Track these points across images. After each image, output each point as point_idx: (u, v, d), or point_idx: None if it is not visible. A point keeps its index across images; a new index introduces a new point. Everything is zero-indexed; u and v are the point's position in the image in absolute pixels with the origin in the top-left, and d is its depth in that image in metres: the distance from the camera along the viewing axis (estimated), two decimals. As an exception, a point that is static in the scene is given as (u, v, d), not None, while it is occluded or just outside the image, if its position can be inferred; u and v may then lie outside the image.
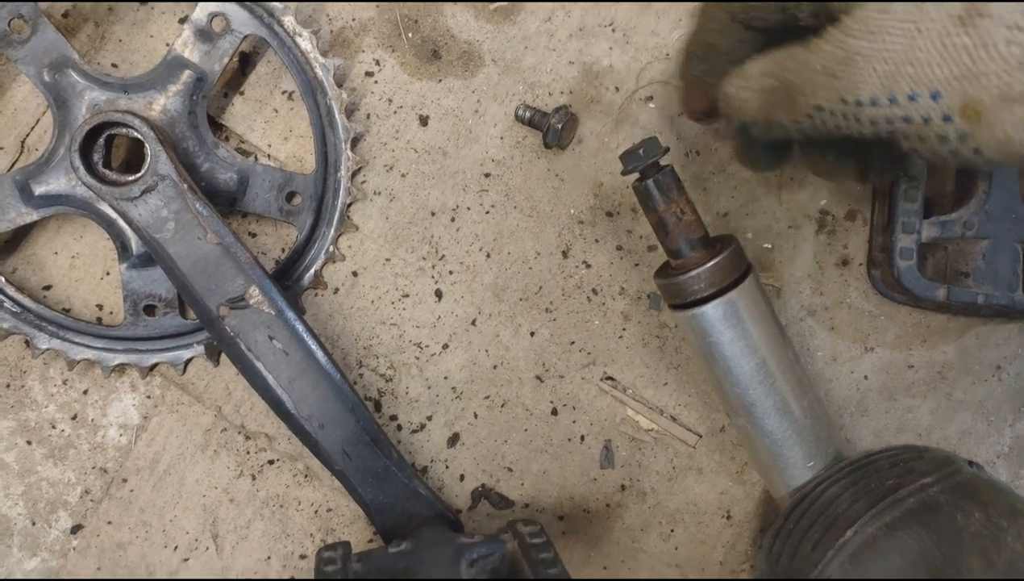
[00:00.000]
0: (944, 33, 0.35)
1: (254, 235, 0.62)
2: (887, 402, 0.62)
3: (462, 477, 0.61)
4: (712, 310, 0.51)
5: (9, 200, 0.56)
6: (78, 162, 0.52)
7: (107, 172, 0.54)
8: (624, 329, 0.61)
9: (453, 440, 0.61)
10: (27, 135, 0.60)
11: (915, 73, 0.35)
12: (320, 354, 0.56)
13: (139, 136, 0.53)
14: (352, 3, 0.61)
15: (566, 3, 0.61)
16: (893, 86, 0.36)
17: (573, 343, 0.61)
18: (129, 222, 0.54)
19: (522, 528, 0.54)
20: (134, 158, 0.59)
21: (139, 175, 0.53)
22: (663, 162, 0.52)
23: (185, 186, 0.53)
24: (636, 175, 0.52)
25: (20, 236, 0.60)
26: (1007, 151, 0.34)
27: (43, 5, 0.56)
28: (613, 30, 0.60)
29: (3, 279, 0.57)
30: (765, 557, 0.54)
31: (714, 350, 0.52)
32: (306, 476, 0.61)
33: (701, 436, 0.61)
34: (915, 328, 0.62)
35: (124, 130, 0.54)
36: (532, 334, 0.61)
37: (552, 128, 0.59)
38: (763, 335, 0.52)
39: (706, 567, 0.61)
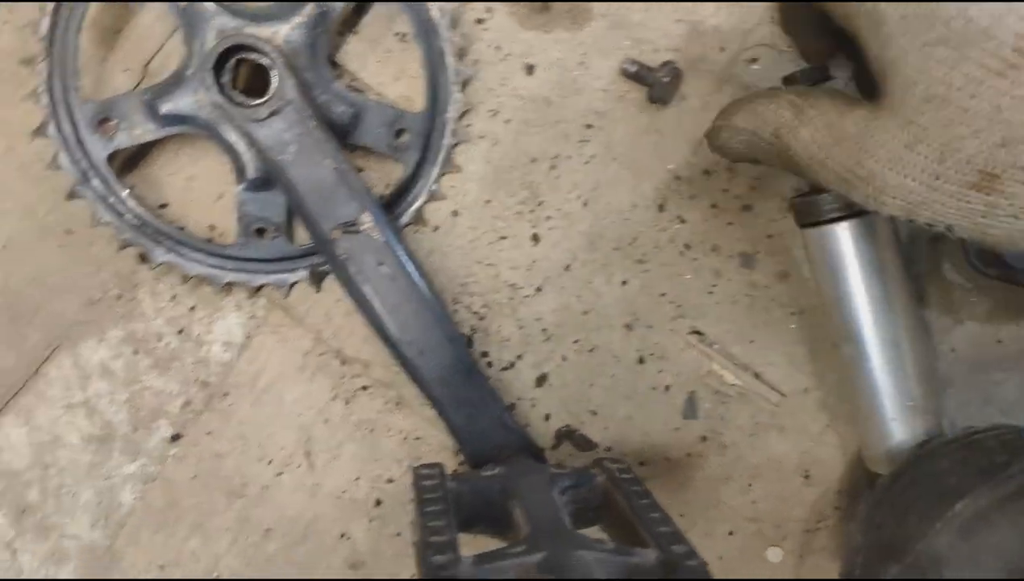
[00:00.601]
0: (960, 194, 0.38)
1: (360, 170, 0.64)
2: (974, 375, 0.62)
3: (547, 417, 0.63)
4: (846, 229, 0.53)
5: (137, 116, 0.59)
6: (211, 81, 0.55)
7: (236, 94, 0.56)
8: (715, 285, 0.63)
9: (541, 380, 0.63)
10: (150, 59, 0.63)
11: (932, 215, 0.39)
12: (423, 284, 0.58)
13: (268, 61, 0.55)
14: (471, -51, 0.62)
15: (679, -40, 0.62)
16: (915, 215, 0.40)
17: (663, 295, 0.63)
18: (253, 143, 0.56)
19: (610, 465, 0.55)
20: (251, 87, 0.61)
21: (266, 98, 0.55)
22: None
23: (308, 112, 0.56)
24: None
25: (140, 155, 0.63)
26: None
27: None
28: (722, -11, 0.61)
29: (125, 192, 0.60)
30: (862, 526, 0.55)
31: (839, 270, 0.54)
32: (397, 404, 0.63)
33: (785, 395, 0.62)
34: (1007, 303, 0.62)
35: (254, 55, 0.56)
36: (624, 283, 0.63)
37: (659, 82, 0.60)
38: (891, 267, 0.53)
39: (783, 523, 0.62)
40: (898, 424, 0.55)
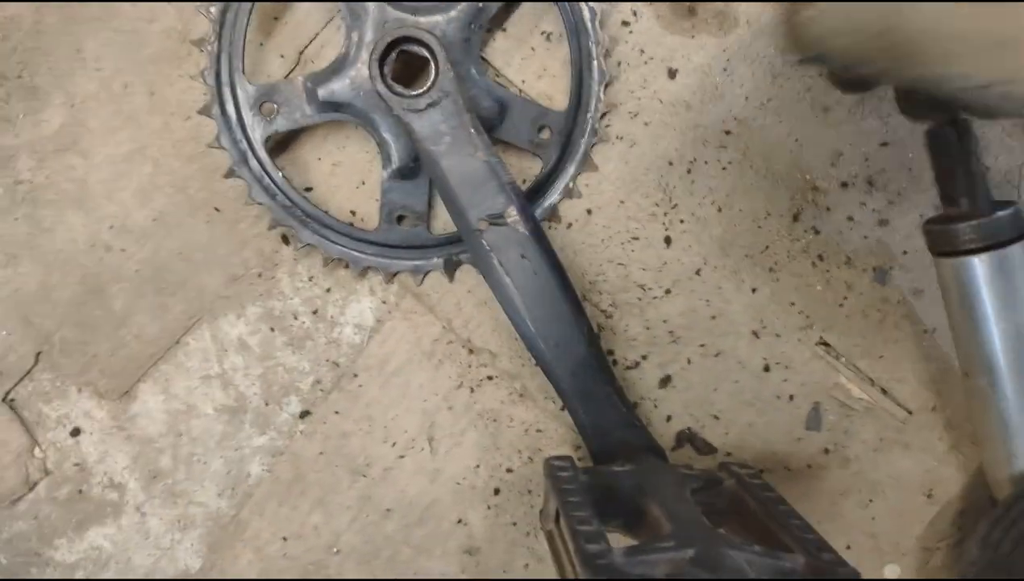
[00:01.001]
0: None
1: (498, 164, 0.65)
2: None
3: (669, 418, 0.64)
4: (982, 262, 0.52)
5: (297, 101, 0.61)
6: (376, 72, 0.57)
7: (397, 84, 0.58)
8: (845, 298, 0.62)
9: (665, 381, 0.64)
10: (305, 47, 0.65)
11: None
12: (564, 279, 0.59)
13: (430, 54, 0.57)
14: (623, -47, 0.64)
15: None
16: None
17: (793, 305, 0.63)
18: (411, 133, 0.58)
19: (738, 469, 0.56)
20: (403, 78, 0.63)
21: (426, 89, 0.57)
22: None
23: (464, 105, 0.57)
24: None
25: (290, 140, 0.65)
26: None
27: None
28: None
29: (280, 175, 0.62)
30: (980, 544, 0.54)
31: (974, 303, 0.53)
32: (521, 396, 0.64)
33: (911, 413, 0.62)
34: None
35: (415, 47, 0.58)
36: (753, 291, 0.63)
37: None
38: None
39: (901, 540, 0.62)
40: None
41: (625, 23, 0.64)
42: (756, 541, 0.52)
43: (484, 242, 0.58)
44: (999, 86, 0.30)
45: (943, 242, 0.54)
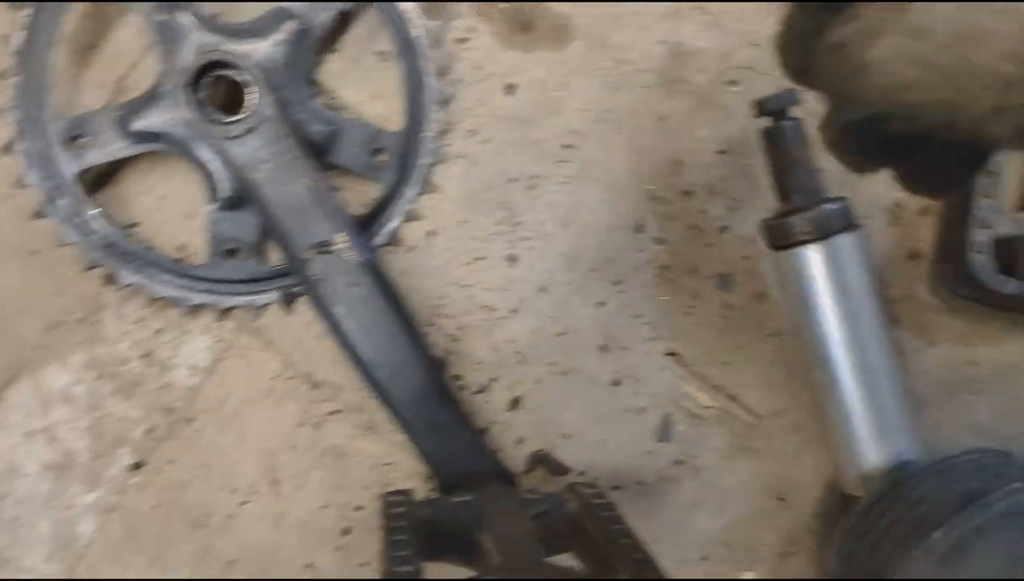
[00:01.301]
0: None
1: (336, 189, 0.63)
2: (947, 397, 0.62)
3: (520, 441, 0.62)
4: (815, 252, 0.53)
5: (109, 133, 0.58)
6: (187, 98, 0.54)
7: (212, 111, 0.56)
8: (692, 306, 0.62)
9: (514, 404, 0.62)
10: (126, 75, 0.62)
11: None
12: (397, 306, 0.57)
13: (246, 78, 0.55)
14: (450, -29, 0.63)
15: (658, -15, 0.63)
16: None
17: (639, 316, 0.62)
18: (228, 161, 0.55)
19: (584, 490, 0.55)
20: (228, 104, 0.61)
21: (243, 115, 0.55)
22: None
23: (284, 130, 0.55)
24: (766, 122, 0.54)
25: (111, 173, 0.62)
26: None
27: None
28: (704, 13, 0.62)
29: (94, 211, 0.59)
30: (837, 556, 0.55)
31: (809, 294, 0.54)
32: (367, 429, 0.62)
33: (760, 418, 0.62)
34: (981, 325, 0.62)
35: (231, 72, 0.56)
36: (600, 305, 0.62)
37: None
38: (860, 291, 0.53)
39: (756, 548, 0.62)
40: (872, 446, 0.55)
41: (461, 40, 0.63)
42: (595, 564, 0.50)
43: (312, 271, 0.56)
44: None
45: (779, 236, 0.55)
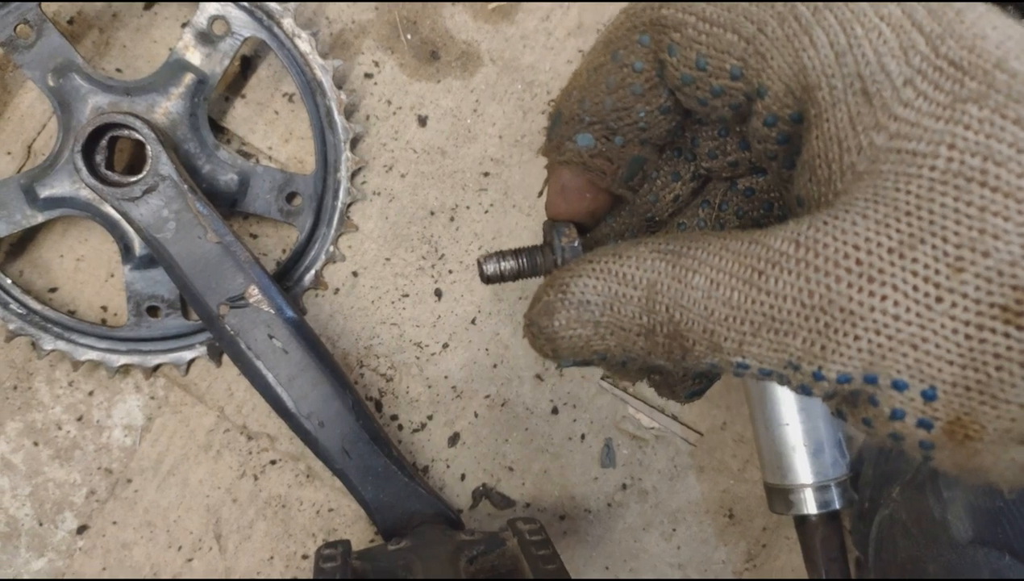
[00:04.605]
0: (976, 324, 0.23)
1: (255, 237, 0.62)
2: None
3: (463, 476, 0.61)
4: None
5: (15, 203, 0.57)
6: (81, 163, 0.53)
7: (109, 173, 0.55)
8: (624, 327, 0.61)
9: (454, 439, 0.61)
10: (33, 140, 0.61)
11: (917, 360, 0.23)
12: (319, 353, 0.56)
13: (140, 137, 0.54)
14: (351, 3, 0.61)
15: (564, 2, 0.61)
16: (879, 366, 0.24)
17: (573, 341, 0.61)
18: (131, 222, 0.54)
19: (522, 526, 0.54)
20: (137, 161, 0.60)
21: (140, 176, 0.54)
22: None
23: (185, 186, 0.54)
24: None
25: (26, 239, 0.61)
26: (972, 478, 0.25)
27: (49, 9, 0.57)
28: (609, 28, 0.60)
29: (9, 282, 0.58)
30: (873, 462, 0.57)
31: None
32: (308, 476, 0.61)
33: (702, 434, 0.61)
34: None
35: (126, 132, 0.55)
36: (532, 332, 0.61)
37: None
38: None
39: (709, 566, 0.61)
40: (803, 465, 0.54)
41: (368, 75, 0.62)
42: (530, 605, 0.50)
43: (228, 327, 0.55)
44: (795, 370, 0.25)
45: None
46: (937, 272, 0.23)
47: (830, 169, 0.26)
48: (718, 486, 0.61)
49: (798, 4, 0.26)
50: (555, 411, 0.61)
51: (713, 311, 0.26)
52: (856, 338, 0.24)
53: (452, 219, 0.61)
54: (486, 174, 0.61)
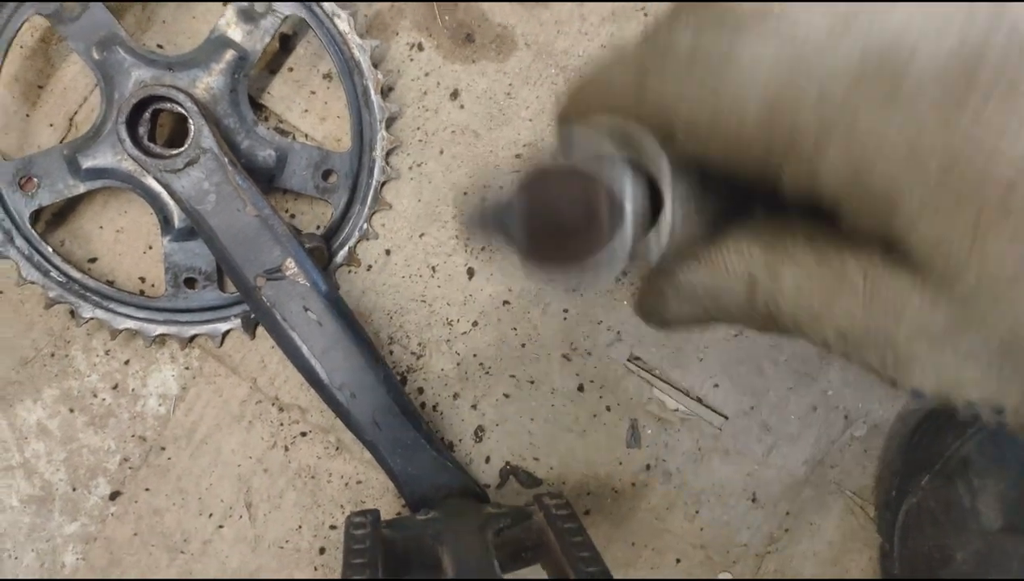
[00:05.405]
0: None
1: (292, 216, 0.63)
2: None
3: (490, 453, 0.62)
4: None
5: (58, 172, 0.58)
6: (124, 134, 0.54)
7: (152, 145, 0.56)
8: (652, 310, 0.62)
9: (481, 417, 0.62)
10: (75, 112, 0.63)
11: (981, 397, 0.26)
12: (352, 326, 0.57)
13: (183, 111, 0.55)
14: (389, -14, 0.62)
15: (599, -13, 0.61)
16: (949, 393, 0.26)
17: (601, 323, 0.62)
18: (172, 194, 0.55)
19: (548, 501, 0.54)
20: (177, 137, 0.61)
21: (183, 148, 0.55)
22: None
23: (226, 160, 0.55)
24: None
25: (68, 210, 0.62)
26: None
27: (94, -14, 0.58)
28: (645, 14, 0.61)
29: (50, 250, 0.59)
30: (900, 450, 0.59)
31: None
32: (337, 449, 0.62)
33: (727, 418, 0.62)
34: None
35: (168, 105, 0.56)
36: (564, 312, 0.62)
37: None
38: None
39: (730, 548, 0.61)
40: None
41: (404, 56, 0.63)
42: (556, 576, 0.50)
43: (264, 299, 0.56)
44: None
45: None
46: (988, 350, 0.25)
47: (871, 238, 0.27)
48: (742, 470, 0.61)
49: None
50: (581, 389, 0.62)
51: (800, 311, 0.28)
52: (922, 371, 0.26)
53: (484, 200, 0.62)
54: (518, 156, 0.62)
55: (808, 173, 0.26)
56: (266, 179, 0.60)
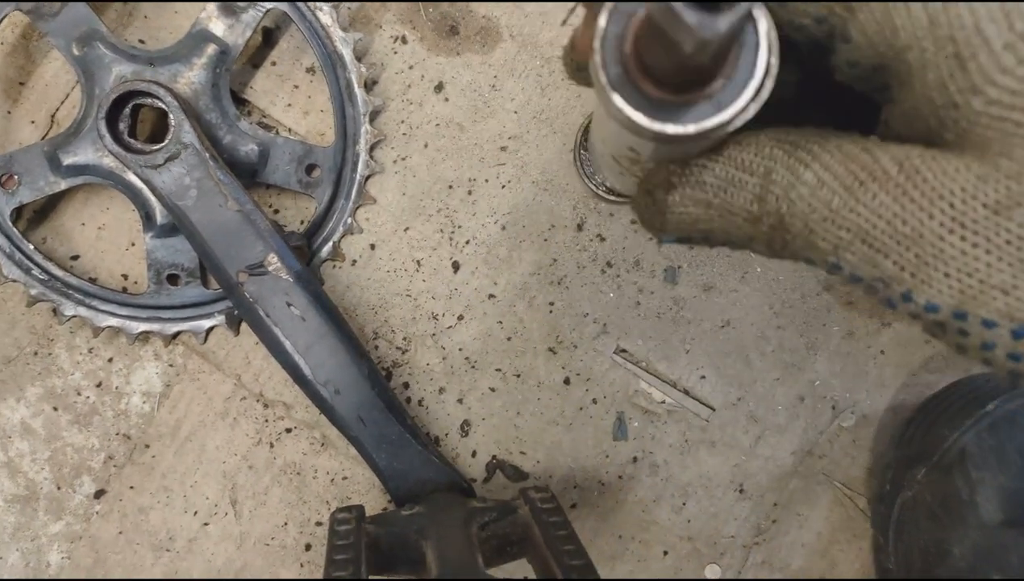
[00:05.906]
0: None
1: (276, 211, 0.63)
2: (905, 377, 0.61)
3: (475, 448, 0.62)
4: None
5: (39, 169, 0.58)
6: (104, 130, 0.54)
7: (132, 141, 0.55)
8: (638, 302, 0.62)
9: (467, 411, 0.62)
10: (57, 109, 0.62)
11: (1008, 305, 0.24)
12: (336, 321, 0.57)
13: (163, 106, 0.55)
14: (371, -21, 0.62)
15: (582, -21, 0.61)
16: (969, 305, 0.25)
17: (587, 315, 0.62)
18: (153, 190, 0.55)
19: (533, 494, 0.54)
20: (158, 133, 0.61)
21: (163, 144, 0.54)
22: None
23: (207, 155, 0.55)
24: None
25: (49, 207, 0.62)
26: None
27: (73, -19, 0.58)
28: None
29: (32, 247, 0.59)
30: (894, 443, 0.59)
31: None
32: (323, 444, 0.62)
33: (714, 409, 0.61)
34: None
35: (149, 100, 0.55)
36: (546, 305, 0.62)
37: None
38: None
39: (718, 540, 0.61)
40: None
41: (388, 49, 0.62)
42: (542, 570, 0.50)
43: (247, 294, 0.56)
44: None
45: None
46: None
47: (927, 124, 0.26)
48: (729, 461, 0.61)
49: None
50: (567, 382, 0.62)
51: (815, 210, 0.27)
52: (947, 275, 0.24)
53: (470, 193, 0.62)
54: (504, 149, 0.62)
55: (883, 9, 0.25)
56: (249, 174, 0.60)
